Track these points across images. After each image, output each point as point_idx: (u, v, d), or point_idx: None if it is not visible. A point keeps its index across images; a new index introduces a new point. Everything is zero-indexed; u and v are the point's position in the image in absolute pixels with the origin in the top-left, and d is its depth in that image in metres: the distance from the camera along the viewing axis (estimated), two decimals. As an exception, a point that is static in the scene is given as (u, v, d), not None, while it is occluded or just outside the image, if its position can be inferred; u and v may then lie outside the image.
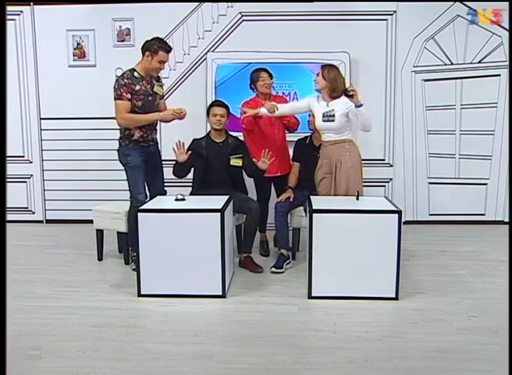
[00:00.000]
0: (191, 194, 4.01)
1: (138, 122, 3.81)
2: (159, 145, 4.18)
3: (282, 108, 3.98)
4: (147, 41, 3.80)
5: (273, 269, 3.90)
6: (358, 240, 3.26)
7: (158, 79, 3.96)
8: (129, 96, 3.72)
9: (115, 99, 3.75)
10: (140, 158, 3.87)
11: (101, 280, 3.73)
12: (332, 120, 3.75)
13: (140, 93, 3.77)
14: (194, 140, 4.14)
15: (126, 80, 3.73)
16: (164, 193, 4.09)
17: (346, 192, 3.73)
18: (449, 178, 5.33)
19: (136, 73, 3.80)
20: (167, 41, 3.87)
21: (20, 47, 5.29)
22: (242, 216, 4.15)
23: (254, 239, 4.04)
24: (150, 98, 3.84)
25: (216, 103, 4.11)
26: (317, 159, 4.10)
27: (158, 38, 3.82)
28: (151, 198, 3.87)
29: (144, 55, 3.79)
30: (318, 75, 3.81)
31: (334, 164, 3.78)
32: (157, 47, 3.73)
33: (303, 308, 3.18)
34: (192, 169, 4.11)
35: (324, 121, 3.78)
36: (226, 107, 4.08)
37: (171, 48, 3.83)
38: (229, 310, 3.17)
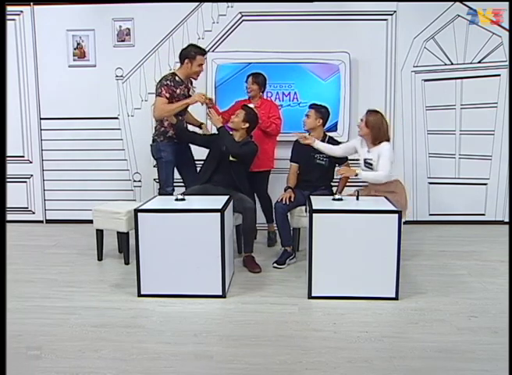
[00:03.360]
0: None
1: (173, 109, 4.06)
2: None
3: (331, 150, 4.05)
4: (183, 50, 4.16)
5: (275, 264, 3.94)
6: (358, 240, 3.26)
7: (191, 83, 4.30)
8: (167, 95, 4.03)
9: (156, 96, 4.08)
10: (173, 154, 4.19)
11: (101, 280, 3.73)
12: (371, 168, 3.86)
13: (180, 96, 4.10)
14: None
15: (168, 82, 4.06)
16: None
17: None
18: (449, 178, 5.33)
19: (177, 78, 4.12)
20: (200, 46, 4.21)
21: (20, 47, 5.29)
22: (240, 216, 4.15)
23: (253, 237, 4.04)
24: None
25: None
26: (315, 160, 4.12)
27: (192, 45, 4.20)
28: (186, 189, 4.20)
29: (182, 62, 4.15)
30: (361, 120, 3.86)
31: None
32: (194, 53, 4.09)
33: (303, 308, 3.18)
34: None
35: (365, 167, 3.91)
36: (242, 108, 4.12)
37: (206, 51, 4.24)
38: (229, 310, 3.16)
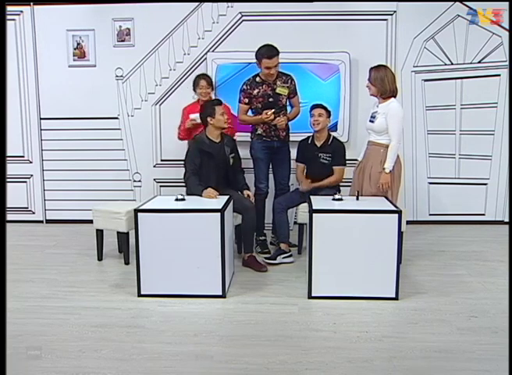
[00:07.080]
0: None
1: (248, 122, 4.33)
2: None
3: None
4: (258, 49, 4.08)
5: (265, 259, 3.99)
6: (358, 240, 3.26)
7: (283, 81, 4.25)
8: (246, 100, 4.20)
9: (238, 102, 4.28)
10: (263, 152, 4.27)
11: (101, 280, 3.73)
12: (372, 121, 3.80)
13: (258, 96, 4.18)
14: (196, 136, 4.08)
15: (245, 87, 4.20)
16: (288, 187, 4.44)
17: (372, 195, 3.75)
18: (449, 178, 5.33)
19: (258, 78, 4.20)
20: (274, 46, 4.06)
21: (20, 47, 5.29)
22: (239, 216, 4.15)
23: (253, 237, 4.05)
24: (271, 100, 4.19)
25: (219, 102, 4.01)
26: (319, 158, 4.14)
27: (264, 46, 4.05)
28: (276, 189, 4.40)
29: None
30: (368, 81, 3.82)
31: (367, 167, 3.82)
32: (260, 55, 4.06)
33: (303, 308, 3.18)
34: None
35: (369, 121, 3.87)
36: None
37: (272, 54, 3.99)
38: (229, 310, 3.17)
